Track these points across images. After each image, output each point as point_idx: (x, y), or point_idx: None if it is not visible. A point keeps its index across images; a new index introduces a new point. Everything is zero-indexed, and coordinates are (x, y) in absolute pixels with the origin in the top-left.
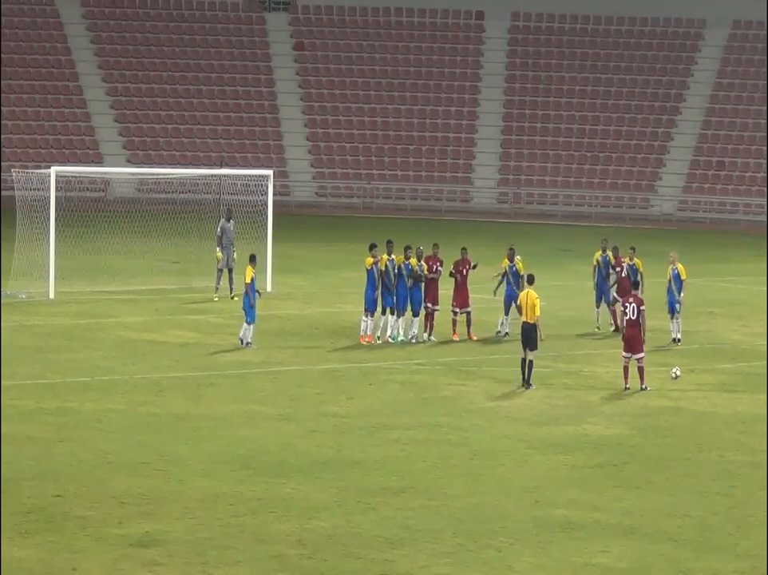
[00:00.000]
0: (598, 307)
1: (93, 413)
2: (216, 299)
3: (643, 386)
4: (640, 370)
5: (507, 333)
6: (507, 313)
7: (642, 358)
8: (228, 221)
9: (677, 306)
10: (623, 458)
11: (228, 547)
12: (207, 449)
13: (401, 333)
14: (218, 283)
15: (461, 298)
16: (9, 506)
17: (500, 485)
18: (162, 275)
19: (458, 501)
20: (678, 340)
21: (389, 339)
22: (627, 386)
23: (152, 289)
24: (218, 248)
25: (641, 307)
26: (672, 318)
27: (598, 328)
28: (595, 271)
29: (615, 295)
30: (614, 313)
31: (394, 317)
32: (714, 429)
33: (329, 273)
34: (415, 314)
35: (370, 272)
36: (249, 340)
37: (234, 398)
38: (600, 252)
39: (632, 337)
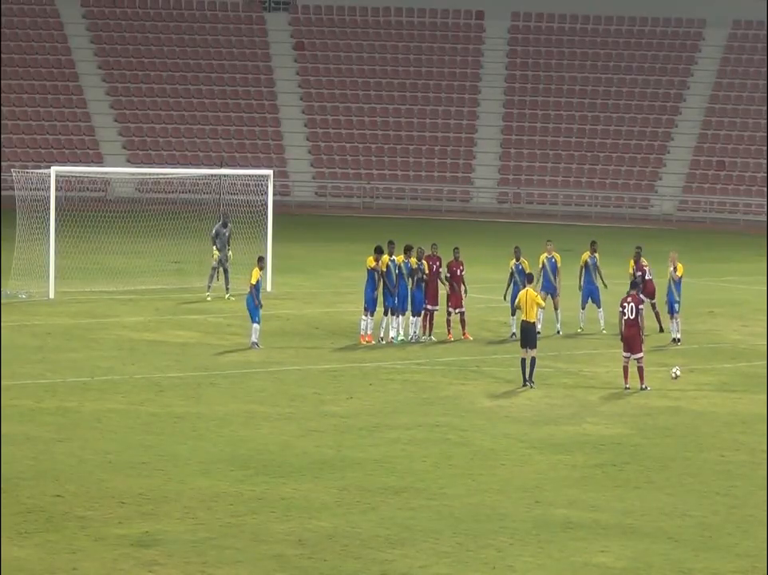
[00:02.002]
0: (583, 308)
1: (93, 413)
2: (209, 298)
3: (643, 386)
4: (640, 370)
5: (513, 333)
6: (513, 313)
7: (641, 358)
8: (224, 227)
9: (676, 306)
10: (623, 458)
11: (228, 547)
12: (207, 449)
13: (401, 333)
14: (210, 283)
15: (455, 298)
16: (9, 506)
17: (500, 485)
18: (162, 275)
19: (458, 501)
20: (678, 340)
21: (392, 341)
22: (627, 385)
23: (152, 289)
24: (214, 247)
25: (639, 307)
26: (672, 318)
27: (581, 329)
28: (581, 271)
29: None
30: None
31: (395, 317)
32: (714, 429)
33: (329, 273)
34: (415, 313)
35: (370, 272)
36: (255, 340)
37: (234, 398)
38: (589, 253)
39: (631, 337)
